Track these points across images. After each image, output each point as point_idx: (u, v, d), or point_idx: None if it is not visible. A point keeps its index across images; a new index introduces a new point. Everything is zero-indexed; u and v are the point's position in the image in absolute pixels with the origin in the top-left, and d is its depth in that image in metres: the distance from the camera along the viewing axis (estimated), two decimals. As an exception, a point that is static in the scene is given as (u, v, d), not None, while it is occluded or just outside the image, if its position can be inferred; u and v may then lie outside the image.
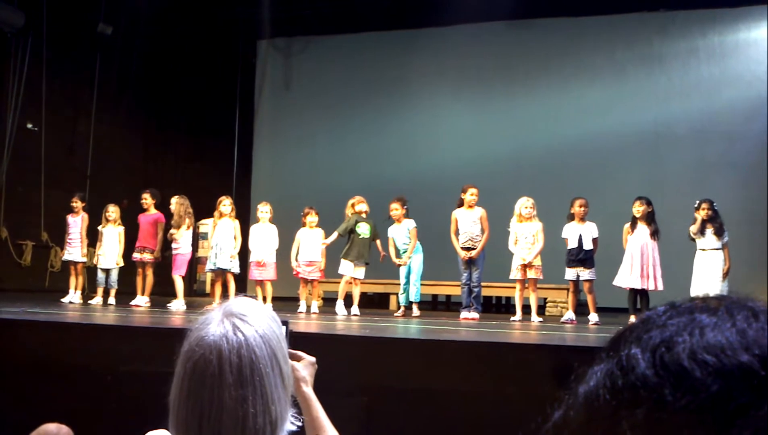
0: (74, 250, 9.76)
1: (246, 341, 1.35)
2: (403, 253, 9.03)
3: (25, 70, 11.43)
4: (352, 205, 9.27)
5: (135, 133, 13.53)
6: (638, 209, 8.19)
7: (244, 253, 9.80)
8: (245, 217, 10.74)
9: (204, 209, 11.86)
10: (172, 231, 9.38)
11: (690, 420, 0.47)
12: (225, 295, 8.93)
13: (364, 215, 9.21)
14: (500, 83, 13.00)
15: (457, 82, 13.09)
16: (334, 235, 9.17)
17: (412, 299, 9.01)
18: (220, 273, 9.33)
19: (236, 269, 9.37)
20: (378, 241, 9.21)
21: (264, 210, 9.47)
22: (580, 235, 8.34)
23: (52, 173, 11.79)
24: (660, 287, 8.00)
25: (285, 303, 9.69)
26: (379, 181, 12.46)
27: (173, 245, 9.41)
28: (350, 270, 9.09)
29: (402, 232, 9.09)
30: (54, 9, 11.64)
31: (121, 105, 13.09)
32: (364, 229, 9.11)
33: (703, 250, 8.27)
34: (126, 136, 13.20)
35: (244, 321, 1.38)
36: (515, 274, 8.60)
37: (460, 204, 8.92)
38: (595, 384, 0.52)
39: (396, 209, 9.07)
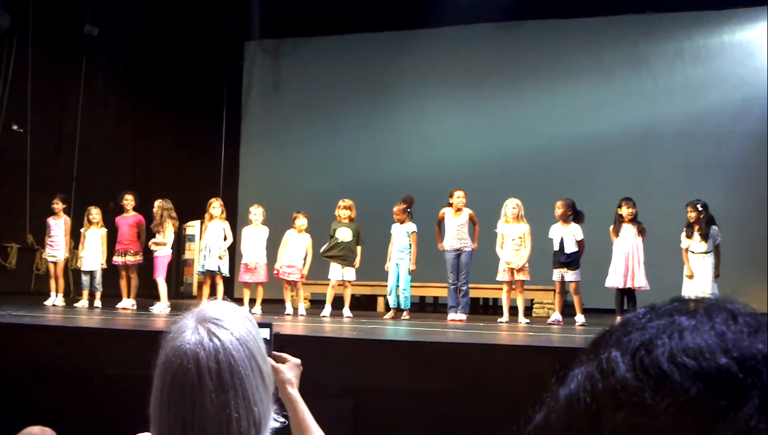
0: (56, 253, 9.70)
1: (222, 346, 1.34)
2: (399, 253, 9.00)
3: (10, 71, 11.36)
4: (336, 208, 9.29)
5: (122, 135, 13.46)
6: (629, 211, 8.22)
7: (233, 255, 9.79)
8: (233, 219, 10.71)
9: (191, 211, 11.83)
10: (153, 241, 9.29)
11: (670, 423, 0.47)
12: (213, 298, 8.88)
13: (346, 220, 9.20)
14: (489, 85, 13.03)
15: (446, 84, 13.11)
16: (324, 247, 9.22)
17: (402, 307, 8.97)
18: (209, 275, 9.31)
19: (225, 271, 9.35)
20: (359, 248, 9.18)
21: (256, 212, 9.46)
22: (562, 238, 8.36)
23: (37, 175, 11.71)
24: (645, 286, 8.05)
25: (272, 305, 9.68)
26: (368, 183, 12.48)
27: (153, 248, 9.34)
28: (338, 273, 9.09)
29: (401, 233, 9.06)
30: (40, 10, 11.57)
31: (108, 106, 13.03)
32: (342, 234, 9.12)
33: (693, 252, 8.30)
34: (113, 137, 13.12)
35: (219, 325, 1.37)
36: (502, 275, 8.62)
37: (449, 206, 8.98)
38: (576, 387, 0.52)
39: (397, 212, 9.04)
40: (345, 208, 9.24)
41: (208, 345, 1.34)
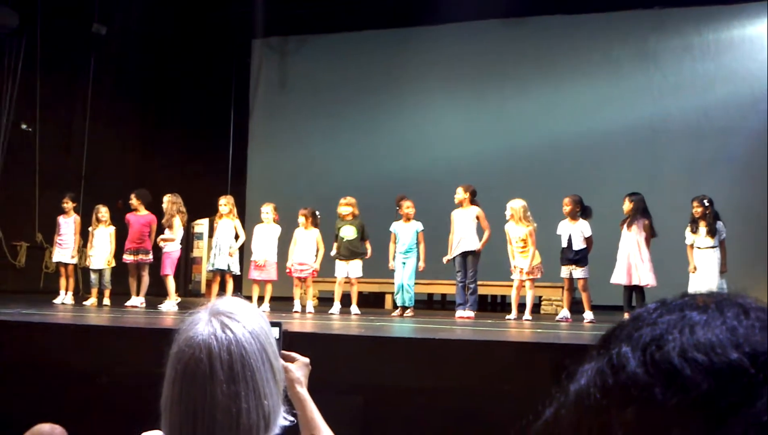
0: (64, 252, 9.71)
1: (235, 338, 1.36)
2: (406, 253, 9.01)
3: (19, 71, 11.40)
4: (338, 206, 9.31)
5: (130, 134, 13.49)
6: (627, 206, 8.22)
7: (243, 253, 9.80)
8: (241, 217, 10.70)
9: (199, 209, 11.83)
10: (162, 237, 9.31)
11: (681, 418, 0.47)
12: (222, 295, 8.87)
13: (350, 217, 9.21)
14: (495, 81, 12.99)
15: (452, 81, 13.08)
16: (333, 250, 9.25)
17: (405, 304, 8.99)
18: (219, 273, 9.32)
19: (236, 269, 9.36)
20: (367, 242, 9.21)
21: (266, 211, 9.46)
22: (570, 235, 8.34)
23: (46, 174, 11.75)
24: (649, 283, 8.00)
25: (280, 303, 9.70)
26: (374, 180, 12.48)
27: (161, 244, 9.34)
28: (343, 271, 9.11)
29: (408, 233, 9.07)
30: (48, 9, 11.60)
31: (116, 105, 13.06)
32: (346, 232, 9.14)
33: (699, 248, 8.28)
34: (121, 136, 13.15)
35: (232, 319, 1.39)
36: (516, 274, 8.60)
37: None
38: (586, 383, 0.52)
39: (409, 207, 9.07)
40: (345, 205, 9.25)
41: (220, 336, 1.36)
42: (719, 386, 0.46)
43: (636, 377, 0.49)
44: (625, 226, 8.21)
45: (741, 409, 0.45)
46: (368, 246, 9.22)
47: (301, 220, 9.28)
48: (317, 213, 9.42)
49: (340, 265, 9.16)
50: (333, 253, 9.24)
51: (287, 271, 9.32)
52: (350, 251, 9.11)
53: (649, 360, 0.49)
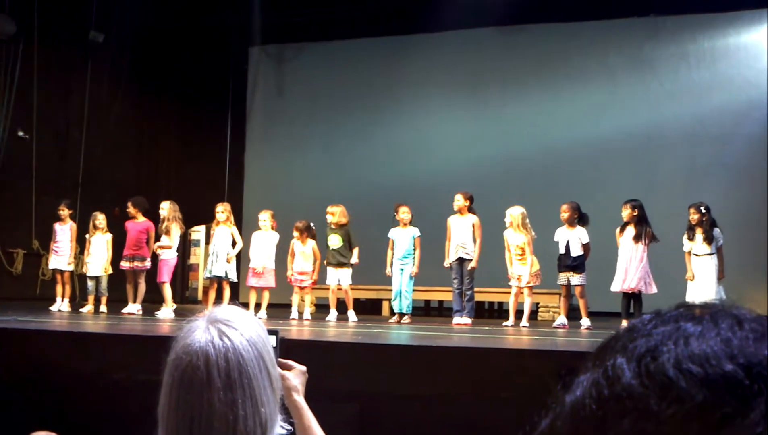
0: (61, 259, 9.69)
1: (233, 345, 1.36)
2: (403, 258, 9.02)
3: (16, 78, 11.39)
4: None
5: (127, 140, 13.48)
6: (626, 213, 8.24)
7: (239, 260, 9.79)
8: (238, 224, 10.71)
9: (196, 216, 11.83)
10: (158, 244, 9.29)
11: (676, 430, 0.47)
12: (219, 302, 8.88)
13: (336, 226, 9.21)
14: (492, 89, 13.02)
15: (450, 88, 13.11)
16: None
17: (403, 311, 8.98)
18: (216, 280, 9.31)
19: (233, 276, 9.35)
20: (355, 250, 9.19)
21: (264, 218, 9.47)
22: (568, 241, 8.35)
23: (43, 180, 11.74)
24: (649, 290, 8.01)
25: (277, 310, 9.69)
26: (372, 187, 12.49)
27: (158, 251, 9.33)
28: (334, 278, 9.12)
29: (405, 238, 9.08)
30: (45, 16, 11.61)
31: (113, 112, 13.05)
32: (332, 241, 9.15)
33: (696, 255, 8.29)
34: (118, 143, 13.13)
35: (230, 326, 1.39)
36: (514, 281, 8.61)
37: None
38: (582, 394, 0.52)
39: (405, 213, 9.07)
40: (330, 213, 9.27)
41: (218, 344, 1.36)
42: (714, 397, 0.46)
43: (631, 388, 0.49)
44: (624, 233, 8.22)
45: (735, 420, 0.46)
46: (355, 253, 9.20)
47: (296, 234, 9.29)
48: (312, 225, 9.40)
49: (330, 272, 9.18)
50: (325, 260, 9.27)
51: (288, 280, 9.32)
52: (338, 259, 9.12)
53: (644, 371, 0.49)
